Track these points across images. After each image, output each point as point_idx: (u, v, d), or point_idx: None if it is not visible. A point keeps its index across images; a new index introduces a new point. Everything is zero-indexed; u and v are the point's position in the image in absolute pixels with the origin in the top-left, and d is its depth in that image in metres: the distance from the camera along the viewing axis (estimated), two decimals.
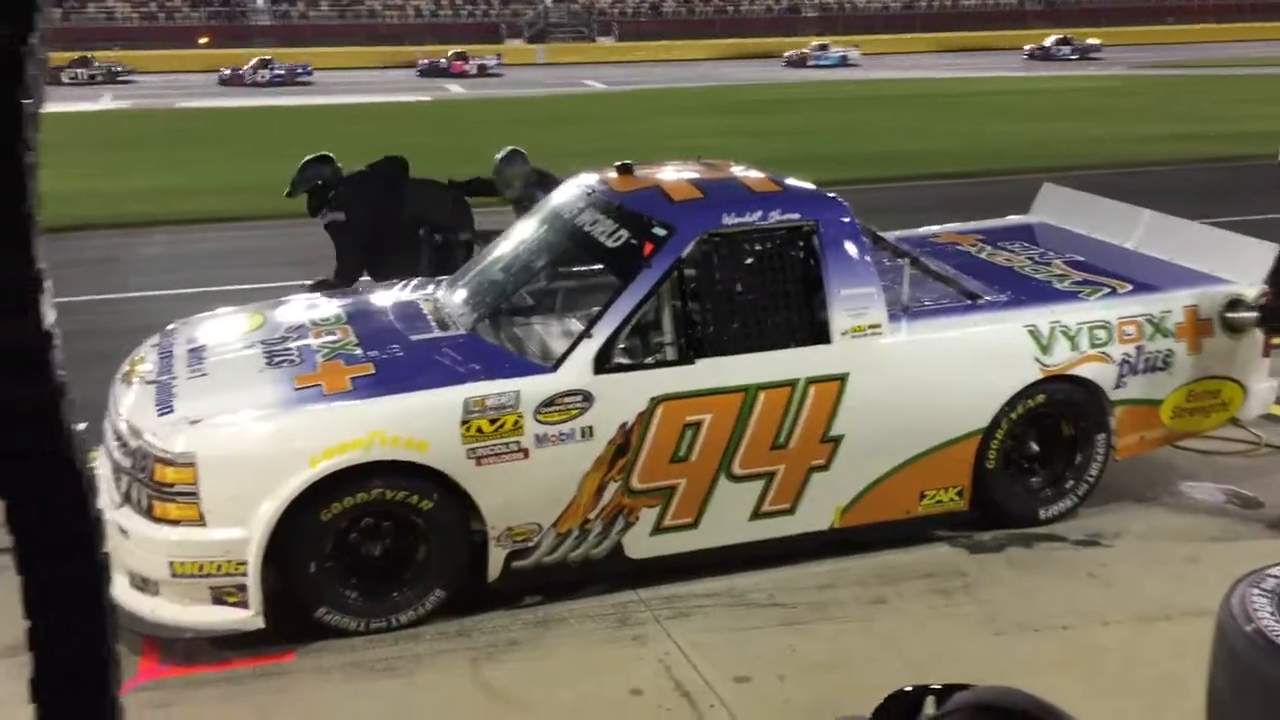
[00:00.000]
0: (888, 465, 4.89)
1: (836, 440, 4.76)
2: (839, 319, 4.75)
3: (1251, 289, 5.29)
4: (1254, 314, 5.24)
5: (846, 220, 4.88)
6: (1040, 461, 5.25)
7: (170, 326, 5.32)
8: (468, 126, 26.83)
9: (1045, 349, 5.03)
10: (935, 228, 6.70)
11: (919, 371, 4.88)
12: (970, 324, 5.07)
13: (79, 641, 0.85)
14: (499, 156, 6.81)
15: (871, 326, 4.79)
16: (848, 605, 4.61)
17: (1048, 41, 52.13)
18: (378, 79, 45.63)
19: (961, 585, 4.74)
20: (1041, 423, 5.17)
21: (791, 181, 5.21)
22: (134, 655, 4.27)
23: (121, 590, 4.29)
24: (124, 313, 10.20)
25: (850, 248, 4.83)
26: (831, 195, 5.06)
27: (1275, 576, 2.70)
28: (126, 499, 4.29)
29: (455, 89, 40.95)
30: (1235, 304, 5.28)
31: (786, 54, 51.44)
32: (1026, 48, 52.25)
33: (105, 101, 36.13)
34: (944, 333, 5.02)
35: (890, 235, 5.93)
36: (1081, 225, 6.31)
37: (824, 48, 50.61)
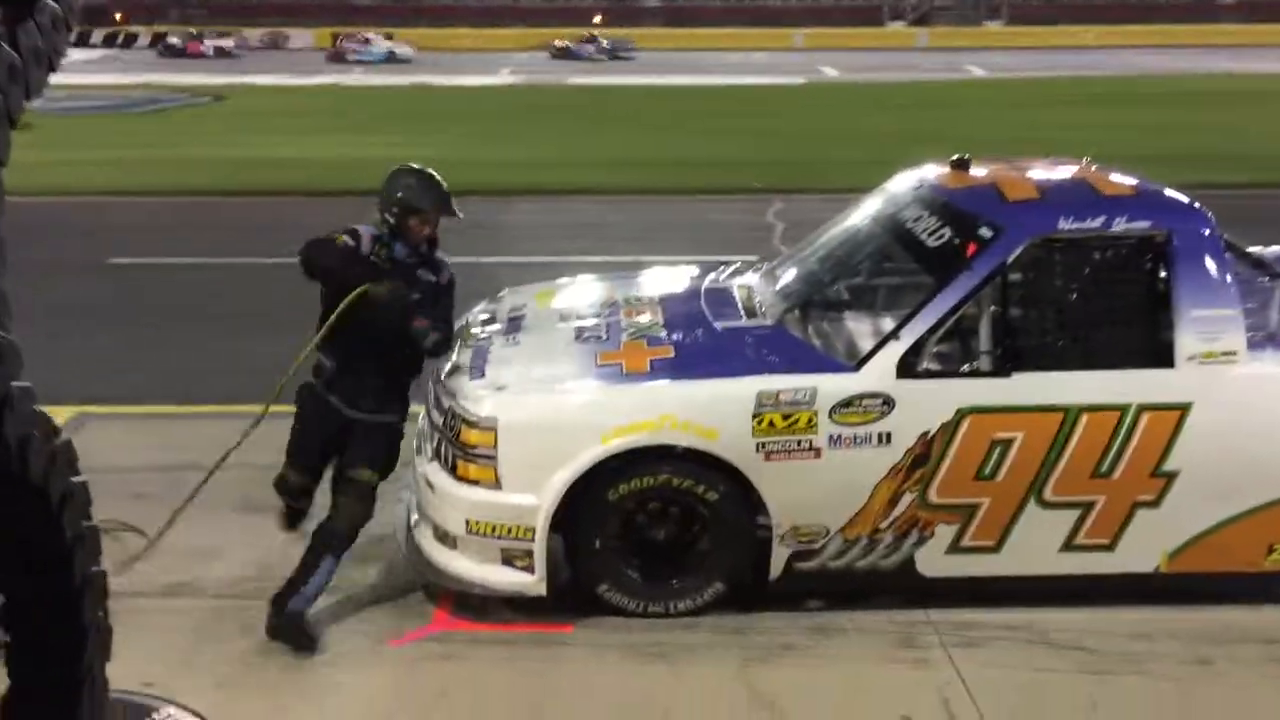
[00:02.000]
0: (1230, 511, 4.33)
1: (1170, 476, 4.26)
2: (1187, 342, 4.24)
3: None
4: None
5: (1207, 231, 4.35)
6: None
7: (501, 294, 5.58)
8: (833, 109, 26.73)
9: None
10: None
11: (1276, 408, 4.28)
12: None
13: (52, 660, 0.82)
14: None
15: (1226, 353, 4.23)
16: (1165, 661, 4.13)
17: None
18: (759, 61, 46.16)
19: None
20: None
21: (1149, 185, 4.72)
22: (431, 604, 4.52)
23: (426, 540, 4.56)
24: (486, 275, 10.91)
25: (1208, 263, 4.30)
26: (1192, 203, 4.52)
27: None
28: (437, 455, 4.53)
29: (830, 72, 40.68)
30: None
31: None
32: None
33: (504, 76, 38.82)
34: None
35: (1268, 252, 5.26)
36: None
37: None
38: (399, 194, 4.39)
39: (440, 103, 30.26)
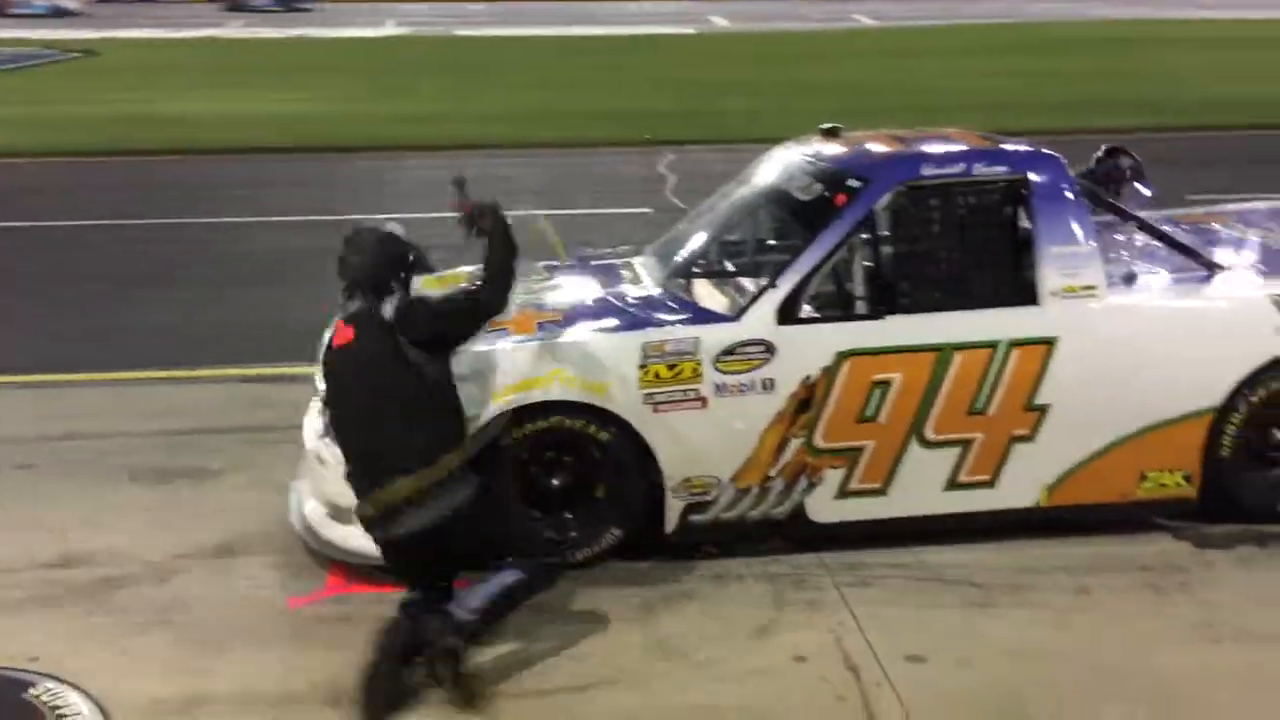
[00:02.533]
0: (1102, 441, 4.51)
1: (1043, 410, 4.43)
2: (1049, 278, 4.43)
3: None
4: None
5: (1060, 176, 4.56)
6: None
7: None
8: (723, 60, 26.79)
9: None
10: (1186, 210, 6.18)
11: (1140, 339, 4.49)
12: (1202, 291, 4.62)
13: None
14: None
15: (1086, 288, 4.43)
16: (1048, 592, 4.28)
17: None
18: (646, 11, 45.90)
19: (1179, 583, 4.31)
20: None
21: (1005, 138, 4.95)
22: (324, 570, 4.49)
23: (318, 519, 4.53)
24: None
25: (1064, 204, 4.50)
26: (1045, 150, 4.73)
27: None
28: (327, 430, 4.48)
29: (720, 21, 40.71)
30: None
31: None
32: None
33: (389, 27, 38.01)
34: (1171, 300, 4.60)
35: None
36: None
37: None
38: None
39: (322, 55, 29.58)
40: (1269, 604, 4.16)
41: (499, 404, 4.23)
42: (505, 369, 4.29)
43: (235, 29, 38.27)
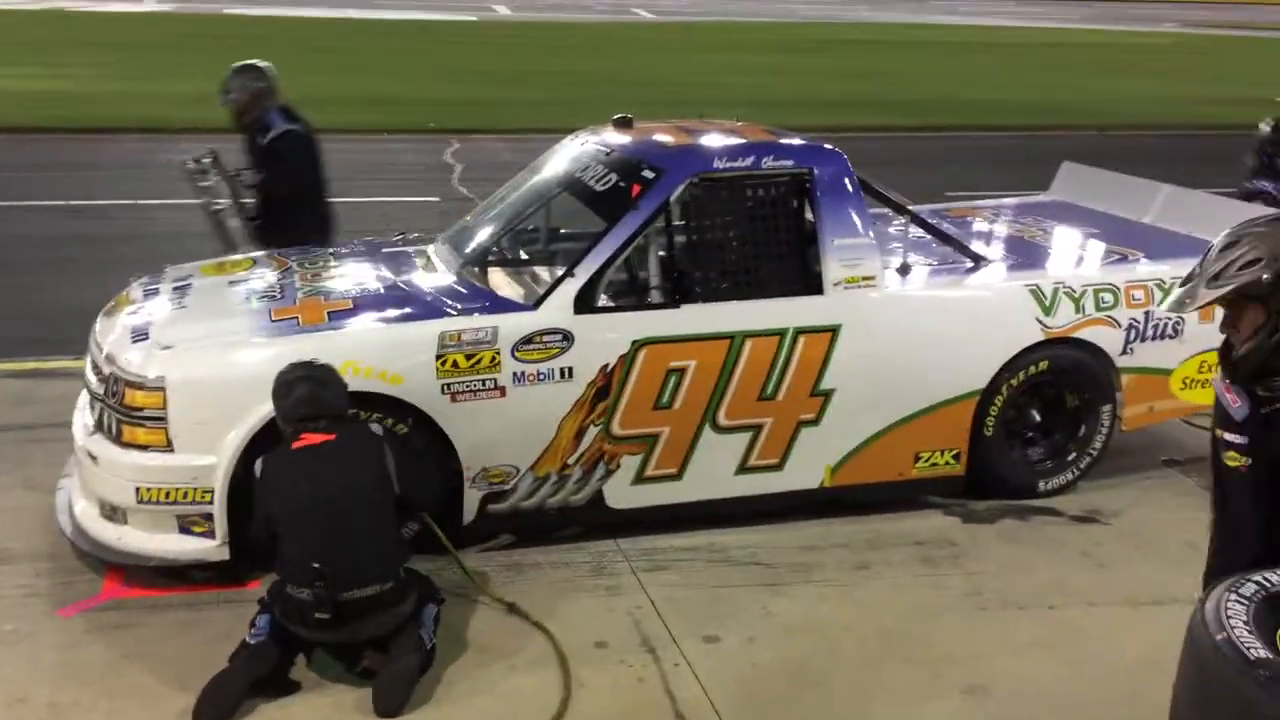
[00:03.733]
0: (881, 423, 4.75)
1: (827, 394, 4.63)
2: (832, 269, 4.62)
3: None
4: None
5: (842, 170, 4.75)
6: (1042, 431, 5.09)
7: (163, 269, 5.26)
8: (506, 48, 26.66)
9: (1048, 310, 4.86)
10: (948, 204, 6.58)
11: (914, 327, 4.74)
12: (969, 281, 4.94)
13: None
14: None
15: (865, 278, 4.65)
16: (830, 569, 4.48)
17: None
18: None
19: (949, 555, 4.60)
20: (1045, 391, 5.00)
21: (790, 133, 5.11)
22: (97, 576, 4.24)
23: (90, 519, 4.27)
24: (145, 219, 10.24)
25: (846, 198, 4.70)
26: (828, 146, 4.93)
27: (1258, 583, 2.49)
28: (99, 426, 4.26)
29: (502, 10, 40.42)
30: None
31: None
32: None
33: (149, 4, 35.95)
34: (941, 290, 4.89)
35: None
36: (1100, 202, 6.16)
37: None
38: None
39: (82, 29, 27.69)
40: (1027, 573, 4.48)
41: None
42: (292, 360, 4.15)
43: None
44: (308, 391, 3.77)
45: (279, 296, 4.61)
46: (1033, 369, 4.89)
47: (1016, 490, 5.02)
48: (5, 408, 5.77)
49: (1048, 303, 4.87)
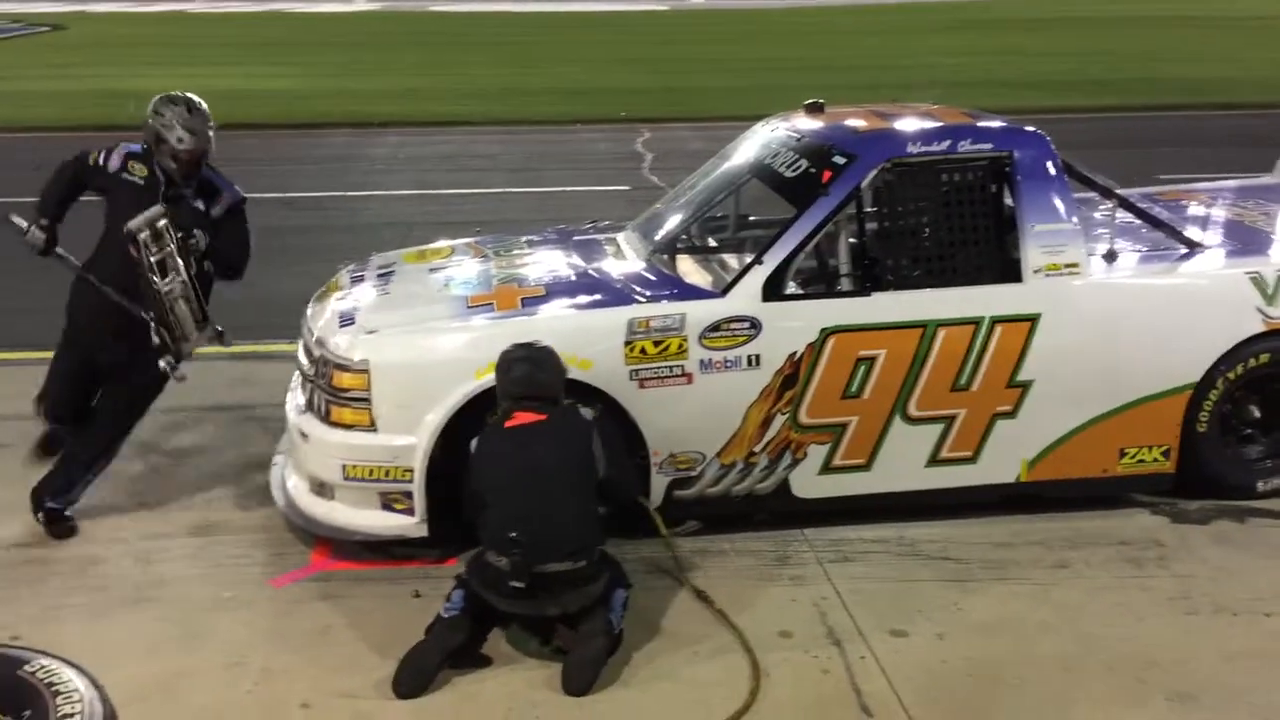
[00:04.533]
0: (1083, 417, 4.54)
1: (1025, 386, 4.46)
2: (1032, 256, 4.45)
3: None
4: None
5: (1044, 153, 4.56)
6: (1262, 428, 4.76)
7: (369, 256, 5.52)
8: (698, 37, 26.70)
9: (1270, 299, 4.54)
10: (1160, 188, 6.24)
11: (1120, 317, 4.52)
12: (1183, 268, 4.66)
13: None
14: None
15: (1069, 266, 4.45)
16: (1026, 567, 4.32)
17: None
18: None
19: (1156, 557, 4.37)
20: (1266, 386, 4.68)
21: (987, 115, 4.96)
22: (306, 548, 4.48)
23: (301, 494, 4.51)
24: (354, 209, 10.74)
25: (1047, 182, 4.52)
26: (1029, 128, 4.74)
27: None
28: (309, 406, 4.49)
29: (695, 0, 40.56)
30: None
31: None
32: None
33: (359, 4, 37.60)
34: (1152, 278, 4.63)
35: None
36: None
37: None
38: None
39: (296, 30, 29.25)
40: (1243, 578, 4.21)
41: (482, 381, 4.18)
42: (487, 345, 4.25)
43: (203, 3, 37.76)
44: (525, 372, 3.91)
45: (476, 284, 4.76)
46: (1252, 362, 4.58)
47: (1232, 490, 4.72)
48: (227, 389, 6.14)
49: (1270, 291, 4.55)
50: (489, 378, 4.17)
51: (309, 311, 4.90)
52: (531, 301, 4.49)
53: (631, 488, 4.18)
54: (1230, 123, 14.83)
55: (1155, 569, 4.29)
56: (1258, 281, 4.56)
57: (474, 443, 3.90)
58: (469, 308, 4.52)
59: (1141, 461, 4.65)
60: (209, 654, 3.83)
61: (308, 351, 4.61)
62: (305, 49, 24.36)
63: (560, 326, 4.32)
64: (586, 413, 4.01)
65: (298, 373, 4.77)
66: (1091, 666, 3.70)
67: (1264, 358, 4.59)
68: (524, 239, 5.47)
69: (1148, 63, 20.54)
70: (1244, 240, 4.96)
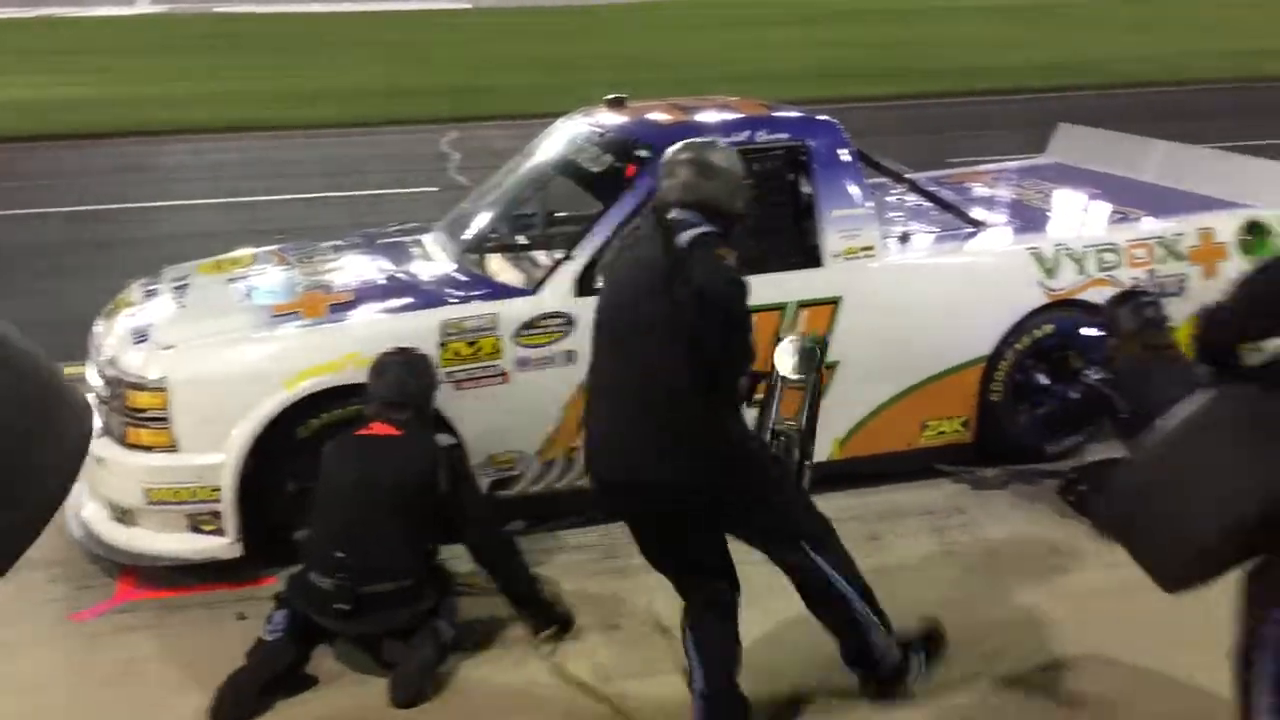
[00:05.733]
0: (886, 394, 4.74)
1: (831, 367, 4.60)
2: (831, 241, 4.60)
3: (1271, 211, 5.03)
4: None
5: (838, 141, 4.73)
6: (1050, 395, 5.03)
7: (162, 270, 5.26)
8: (499, 36, 26.55)
9: (1050, 272, 4.83)
10: (947, 171, 6.56)
11: (915, 296, 4.72)
12: (970, 247, 4.91)
13: None
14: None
15: (865, 249, 4.63)
16: (845, 541, 4.46)
17: None
18: None
19: (960, 523, 4.59)
20: (1051, 354, 4.97)
21: (783, 105, 5.09)
22: (111, 579, 4.26)
23: (99, 522, 4.29)
24: (153, 220, 10.25)
25: (842, 169, 4.68)
26: (823, 117, 4.90)
27: None
28: (106, 430, 4.26)
29: None
30: (1253, 227, 5.02)
31: None
32: None
33: (142, 6, 35.88)
34: (941, 257, 4.85)
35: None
36: (1099, 162, 6.14)
37: None
38: None
39: (71, 37, 27.66)
40: (1040, 537, 4.47)
41: (292, 391, 4.08)
42: (296, 354, 4.15)
43: None
44: (396, 377, 3.83)
45: (279, 292, 4.61)
46: (1037, 332, 4.87)
47: (1026, 454, 5.00)
48: None
49: (1050, 265, 4.84)
50: (300, 387, 4.07)
51: (97, 330, 4.66)
52: (340, 308, 4.39)
53: (475, 522, 3.93)
54: (1010, 107, 15.67)
55: (959, 534, 4.51)
56: (1039, 257, 4.85)
57: (326, 446, 3.80)
58: (274, 317, 4.37)
59: (943, 433, 4.88)
60: (4, 700, 3.59)
61: (99, 372, 4.38)
62: (90, 55, 23.06)
63: (371, 332, 4.23)
64: (443, 439, 3.91)
65: (91, 395, 4.52)
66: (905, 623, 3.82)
67: (1048, 328, 4.88)
68: (328, 245, 5.33)
69: (931, 51, 21.48)
70: (1025, 218, 5.26)
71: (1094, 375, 4.52)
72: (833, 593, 3.30)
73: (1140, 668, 3.64)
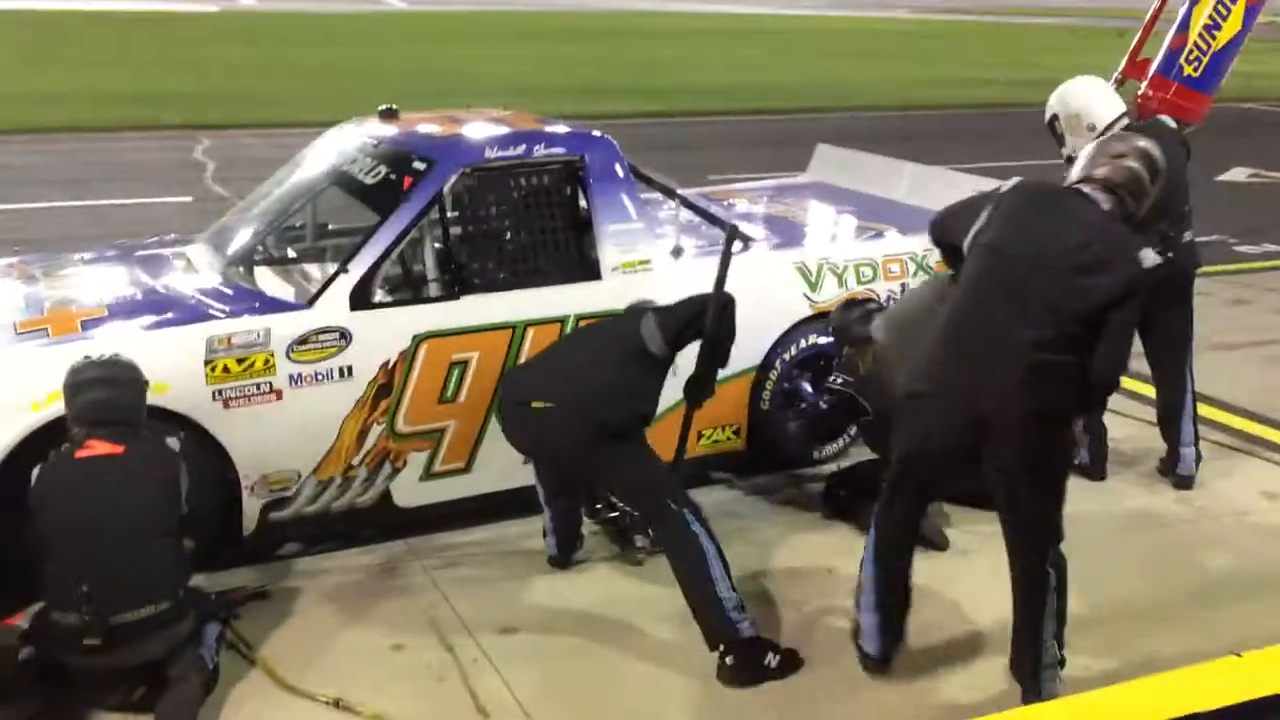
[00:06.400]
0: (664, 403, 4.81)
1: None
2: (609, 255, 4.68)
3: None
4: None
5: (613, 156, 4.81)
6: (815, 403, 5.27)
7: None
8: (252, 40, 25.64)
9: (814, 285, 5.07)
10: (710, 188, 6.77)
11: None
12: (741, 262, 5.04)
13: None
14: None
15: (642, 263, 4.73)
16: (630, 549, 4.51)
17: None
18: None
19: (736, 529, 4.72)
20: (815, 364, 5.18)
21: (558, 121, 5.15)
22: None
23: None
24: None
25: (618, 184, 4.76)
26: (597, 132, 4.98)
27: None
28: None
29: (246, 1, 38.87)
30: None
31: None
32: None
33: None
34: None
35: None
36: (854, 181, 6.46)
37: None
38: None
39: None
40: (805, 539, 4.66)
41: (41, 414, 3.79)
42: (46, 374, 3.84)
43: None
44: (100, 396, 3.51)
45: (24, 308, 4.30)
46: (803, 343, 5.09)
47: (795, 460, 5.22)
48: None
49: (813, 279, 5.08)
50: (49, 410, 3.79)
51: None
52: (92, 323, 4.12)
53: (208, 520, 3.85)
54: (765, 127, 16.33)
55: (735, 541, 4.63)
56: (803, 271, 5.08)
57: (35, 472, 3.47)
58: (17, 334, 4.07)
59: (717, 441, 5.03)
60: None
61: None
62: None
63: (128, 348, 3.95)
64: (173, 442, 3.68)
65: None
66: (693, 634, 3.90)
67: (813, 339, 5.11)
68: (78, 257, 5.01)
69: (687, 71, 22.13)
70: (787, 234, 5.49)
71: (838, 381, 4.76)
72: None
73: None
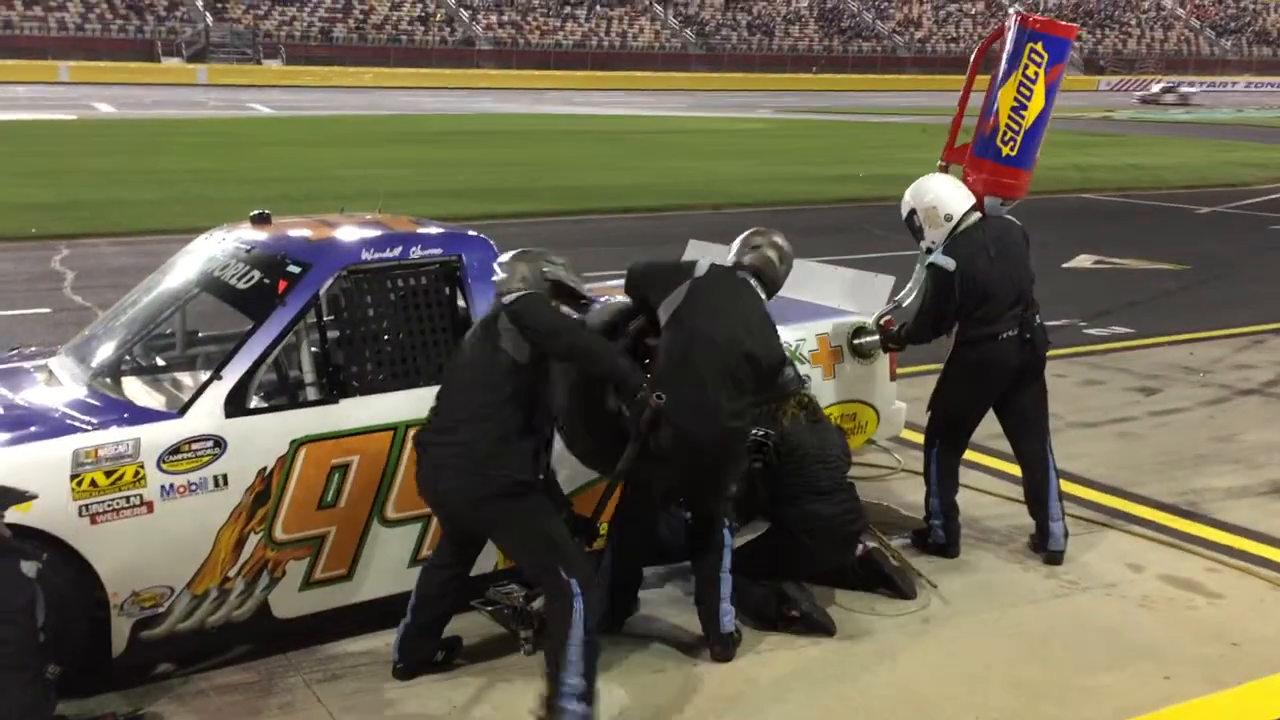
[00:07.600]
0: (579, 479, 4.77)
1: None
2: None
3: (871, 318, 5.65)
4: (875, 337, 5.61)
5: (490, 255, 4.80)
6: None
7: None
8: (114, 148, 25.14)
9: None
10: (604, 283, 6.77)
11: None
12: None
13: None
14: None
15: None
16: (509, 654, 4.44)
17: None
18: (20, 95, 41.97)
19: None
20: None
21: (430, 222, 5.17)
22: None
23: None
24: None
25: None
26: (473, 233, 5.01)
27: None
28: None
29: (104, 108, 38.18)
30: (860, 331, 5.63)
31: None
32: None
33: None
34: None
35: None
36: None
37: None
38: None
39: None
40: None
41: None
42: None
43: None
44: None
45: None
46: None
47: None
48: None
49: None
50: None
51: None
52: None
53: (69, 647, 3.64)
54: (635, 224, 16.61)
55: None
56: None
57: None
58: None
59: None
60: None
61: None
62: None
63: None
64: (28, 568, 3.45)
65: None
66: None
67: None
68: None
69: (557, 173, 22.42)
70: None
71: None
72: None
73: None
